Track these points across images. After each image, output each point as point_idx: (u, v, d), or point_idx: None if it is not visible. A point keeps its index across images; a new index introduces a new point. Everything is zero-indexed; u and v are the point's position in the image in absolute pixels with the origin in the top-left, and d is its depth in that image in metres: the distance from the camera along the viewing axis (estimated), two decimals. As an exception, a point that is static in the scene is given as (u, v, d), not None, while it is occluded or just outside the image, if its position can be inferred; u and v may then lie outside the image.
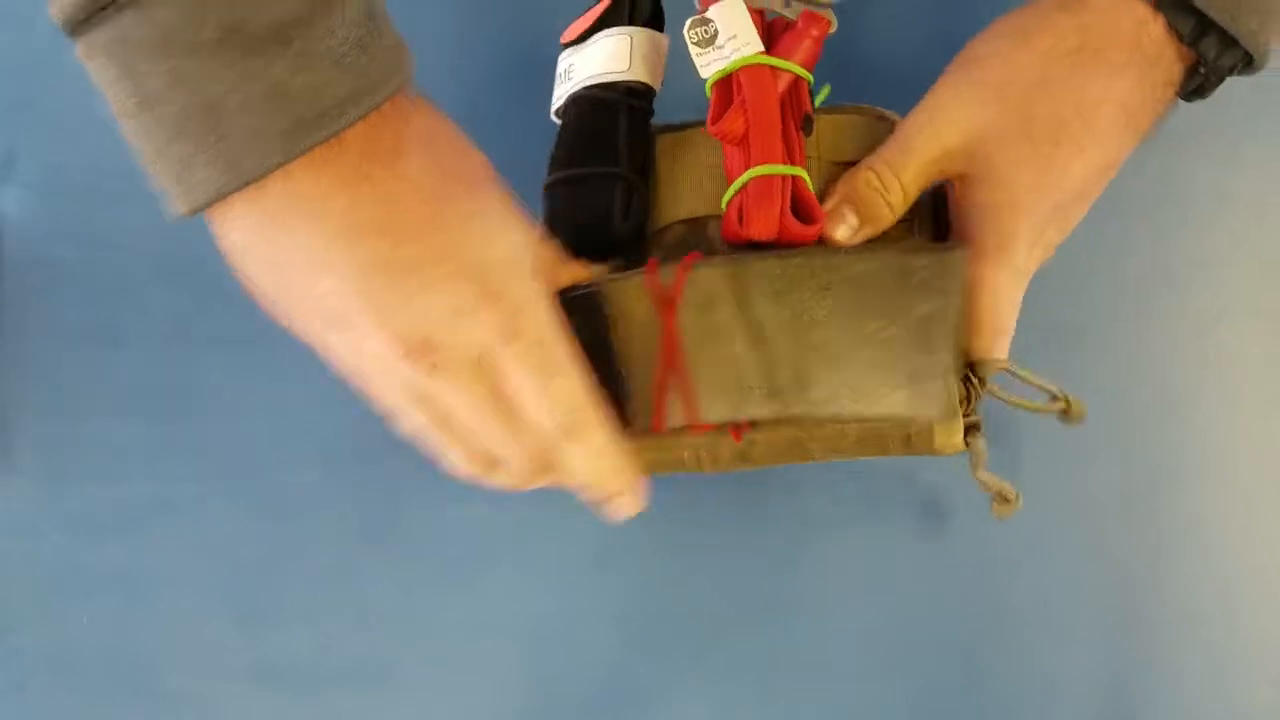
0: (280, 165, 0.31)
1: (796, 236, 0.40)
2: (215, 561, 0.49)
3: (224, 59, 0.30)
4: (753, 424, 0.41)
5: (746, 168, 0.40)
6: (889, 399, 0.38)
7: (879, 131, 0.43)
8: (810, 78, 0.42)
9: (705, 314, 0.39)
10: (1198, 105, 0.50)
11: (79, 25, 0.31)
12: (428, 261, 0.34)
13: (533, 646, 0.49)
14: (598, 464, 0.38)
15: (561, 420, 0.36)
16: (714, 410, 0.39)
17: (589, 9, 0.46)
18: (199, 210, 0.33)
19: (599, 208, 0.43)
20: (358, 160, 0.32)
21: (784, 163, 0.40)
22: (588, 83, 0.44)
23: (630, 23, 0.44)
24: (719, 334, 0.39)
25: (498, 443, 0.37)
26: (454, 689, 0.48)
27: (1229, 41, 0.37)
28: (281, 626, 0.49)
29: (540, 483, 0.39)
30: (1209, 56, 0.38)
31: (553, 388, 0.36)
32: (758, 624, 0.49)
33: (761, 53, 0.41)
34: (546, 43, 0.47)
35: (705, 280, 0.39)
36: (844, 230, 0.40)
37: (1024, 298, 0.41)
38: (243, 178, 0.31)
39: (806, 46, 0.42)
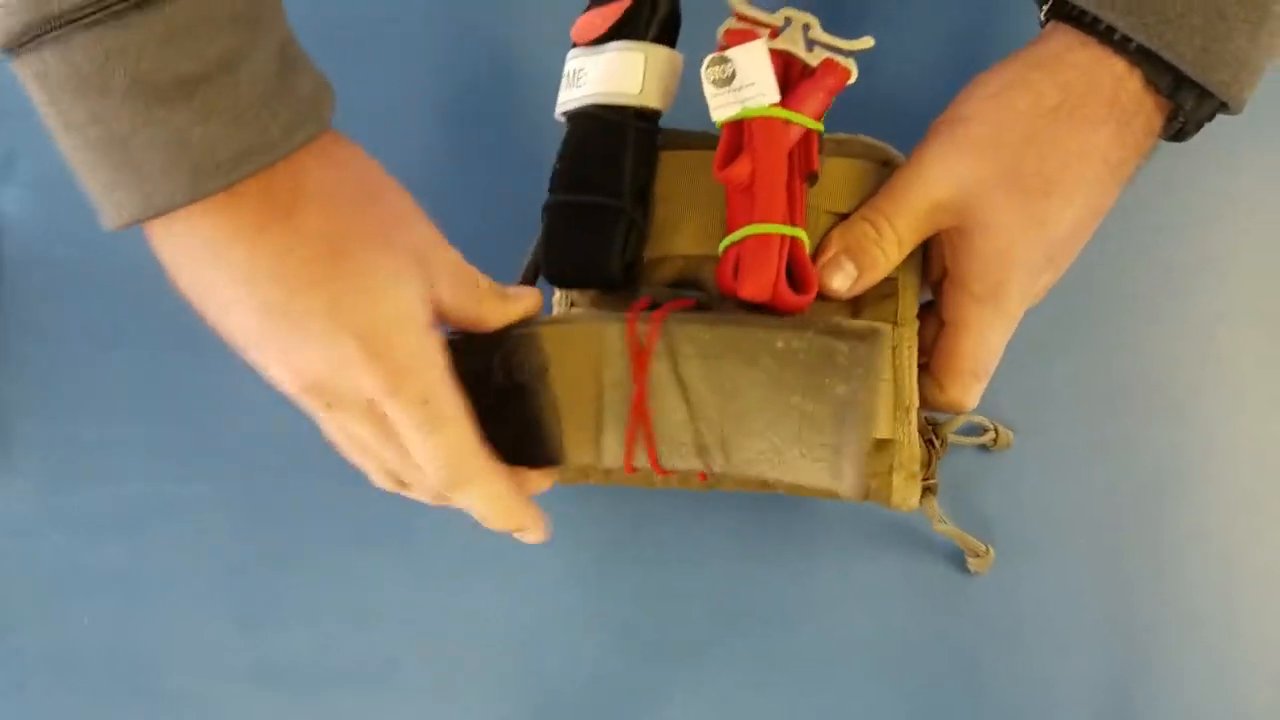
0: (185, 204, 0.33)
1: (787, 304, 0.41)
2: (215, 561, 0.49)
3: (132, 105, 0.31)
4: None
5: (749, 219, 0.40)
6: (808, 470, 0.39)
7: (879, 179, 0.43)
8: (822, 129, 0.41)
9: (657, 365, 0.40)
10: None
11: (10, 51, 0.32)
12: (316, 314, 0.35)
13: (532, 647, 0.49)
14: (487, 508, 0.40)
15: (443, 472, 0.38)
16: (669, 459, 0.41)
17: (605, 4, 0.44)
18: (123, 228, 0.35)
19: (598, 244, 0.42)
20: (254, 212, 0.34)
21: (785, 221, 0.40)
22: (598, 99, 0.43)
23: (647, 29, 0.43)
24: (661, 387, 0.40)
25: (401, 470, 0.39)
26: (454, 689, 0.48)
27: (1205, 93, 0.38)
28: (281, 627, 0.49)
29: (454, 504, 0.41)
30: (1186, 106, 0.39)
31: (432, 443, 0.37)
32: (757, 625, 0.49)
33: (777, 104, 0.40)
34: (536, 42, 0.47)
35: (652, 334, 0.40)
36: (842, 279, 0.41)
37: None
38: (152, 209, 0.33)
39: (821, 98, 0.41)
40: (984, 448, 0.50)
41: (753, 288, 0.40)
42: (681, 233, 0.43)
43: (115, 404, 0.51)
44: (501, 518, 0.41)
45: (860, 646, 0.48)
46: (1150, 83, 0.39)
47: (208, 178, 0.32)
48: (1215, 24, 0.37)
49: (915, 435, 0.42)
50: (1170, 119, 0.40)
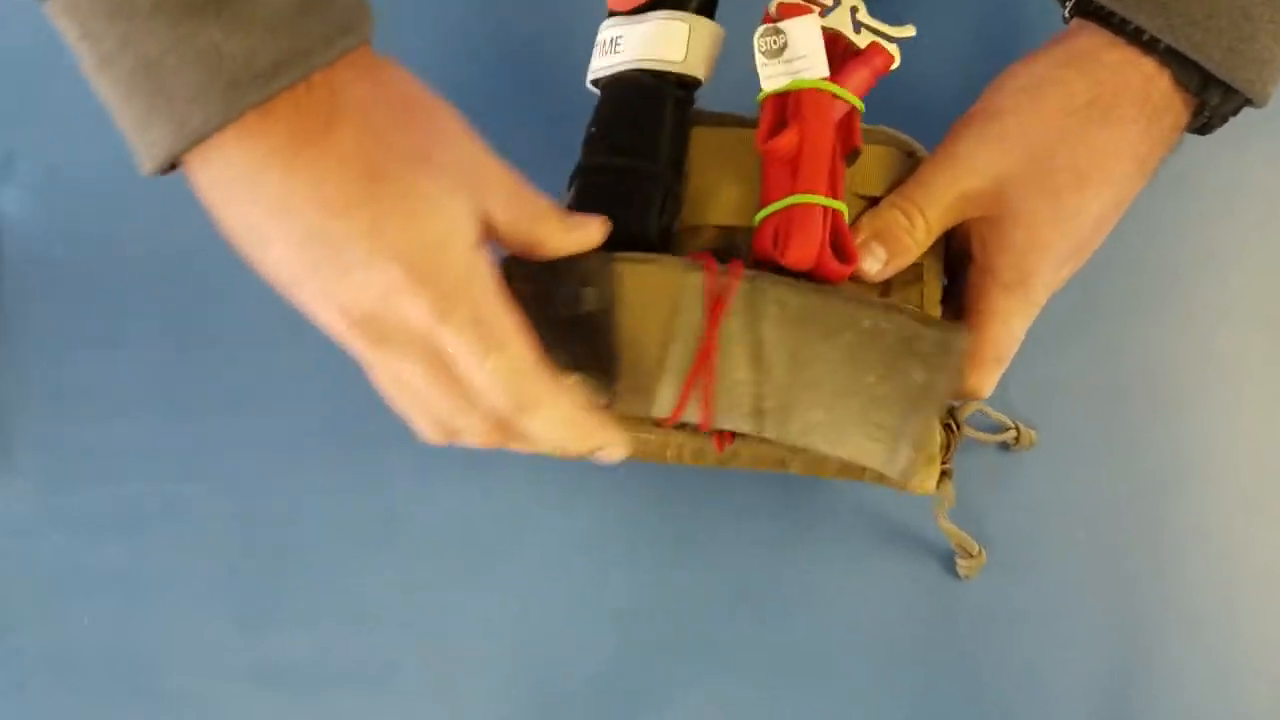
0: (219, 125, 0.32)
1: (831, 273, 0.41)
2: (215, 561, 0.49)
3: (163, 21, 0.31)
4: (735, 435, 0.42)
5: (790, 191, 0.40)
6: (863, 448, 0.40)
7: (906, 168, 0.44)
8: (864, 108, 0.42)
9: (732, 321, 0.40)
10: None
11: None
12: (356, 239, 0.34)
13: (533, 646, 0.49)
14: (558, 431, 0.38)
15: (506, 397, 0.36)
16: (722, 417, 0.40)
17: None
18: (160, 170, 0.34)
19: (634, 206, 0.42)
20: (289, 133, 0.33)
21: (828, 194, 0.40)
22: (638, 65, 0.42)
23: (688, 3, 0.43)
24: (731, 343, 0.40)
25: (452, 412, 0.37)
26: (454, 689, 0.48)
27: (1231, 90, 0.39)
28: (281, 627, 0.49)
29: (510, 446, 0.40)
30: (1213, 103, 0.40)
31: (490, 365, 0.36)
32: (759, 623, 0.49)
33: (826, 78, 0.41)
34: (545, 37, 0.47)
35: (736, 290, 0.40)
36: (872, 263, 0.42)
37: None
38: (189, 137, 0.32)
39: (865, 76, 0.42)
40: (1004, 445, 0.50)
41: (797, 255, 0.40)
42: (716, 203, 0.43)
43: (115, 404, 0.51)
44: (578, 438, 0.39)
45: (862, 644, 0.48)
46: (1179, 82, 0.39)
47: (242, 92, 0.31)
48: (1241, 25, 0.38)
49: (934, 419, 0.42)
50: (1196, 114, 0.40)
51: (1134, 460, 0.50)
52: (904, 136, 0.44)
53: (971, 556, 0.48)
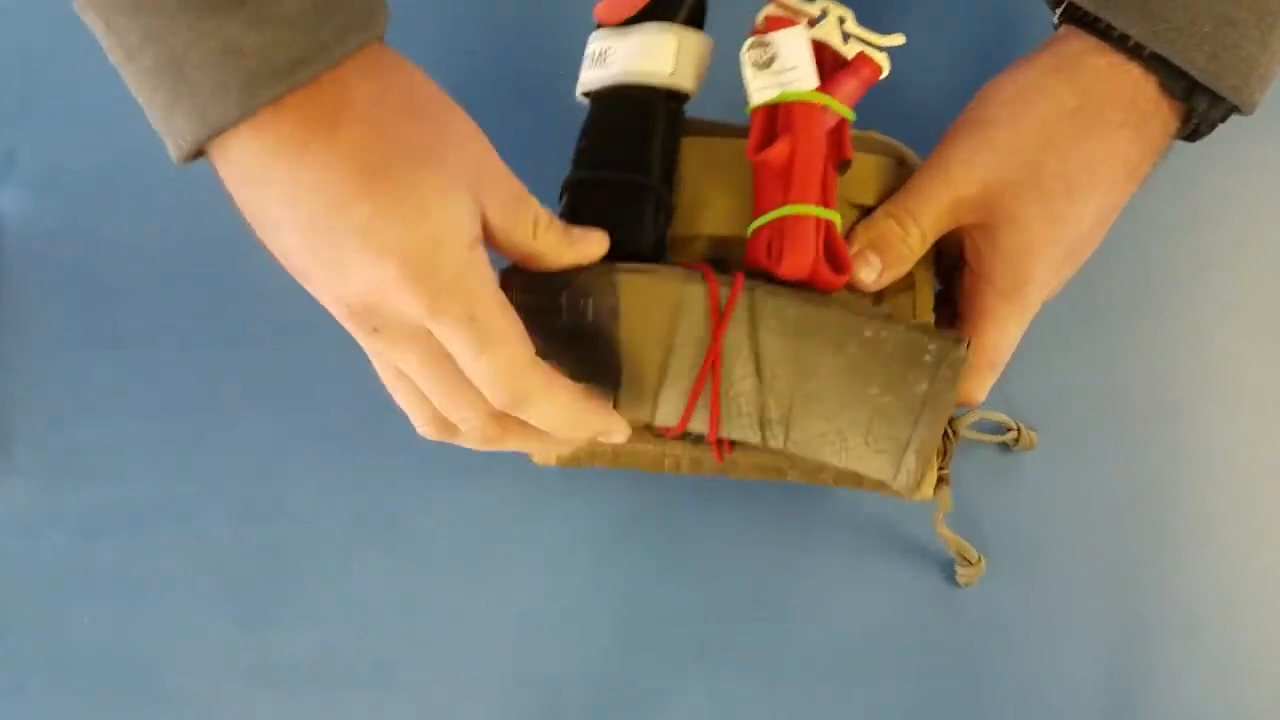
0: (236, 119, 0.33)
1: (825, 283, 0.41)
2: (216, 562, 0.49)
3: (185, 18, 0.32)
4: (734, 444, 0.42)
5: (783, 202, 0.41)
6: (868, 459, 0.40)
7: (898, 176, 0.44)
8: (854, 118, 0.42)
9: (734, 330, 0.40)
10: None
11: None
12: (355, 233, 0.34)
13: (533, 646, 0.49)
14: (558, 421, 0.39)
15: (502, 389, 0.37)
16: (728, 426, 0.41)
17: None
18: (187, 158, 0.35)
19: (626, 220, 0.42)
20: (299, 127, 0.33)
21: (821, 204, 0.41)
22: (628, 78, 0.42)
23: (679, 11, 0.43)
24: (734, 353, 0.40)
25: (449, 406, 0.38)
26: (454, 689, 0.48)
27: (1218, 97, 0.39)
28: (282, 627, 0.49)
29: (507, 446, 0.40)
30: (1200, 109, 0.40)
31: (484, 361, 0.36)
32: (758, 623, 0.49)
33: (816, 89, 0.41)
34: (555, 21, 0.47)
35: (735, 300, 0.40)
36: (868, 272, 0.42)
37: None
38: (210, 128, 0.33)
39: (854, 86, 0.42)
40: (1005, 446, 0.50)
41: (792, 266, 0.40)
42: (708, 213, 0.43)
43: (115, 404, 0.51)
44: (574, 426, 0.39)
45: (861, 645, 0.48)
46: (1165, 88, 0.39)
47: (259, 88, 0.32)
48: (1225, 31, 0.38)
49: (941, 430, 0.42)
50: (1185, 120, 0.40)
51: (1134, 461, 0.50)
52: (895, 143, 0.44)
53: (970, 564, 0.48)
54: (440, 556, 0.49)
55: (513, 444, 0.40)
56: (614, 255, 0.41)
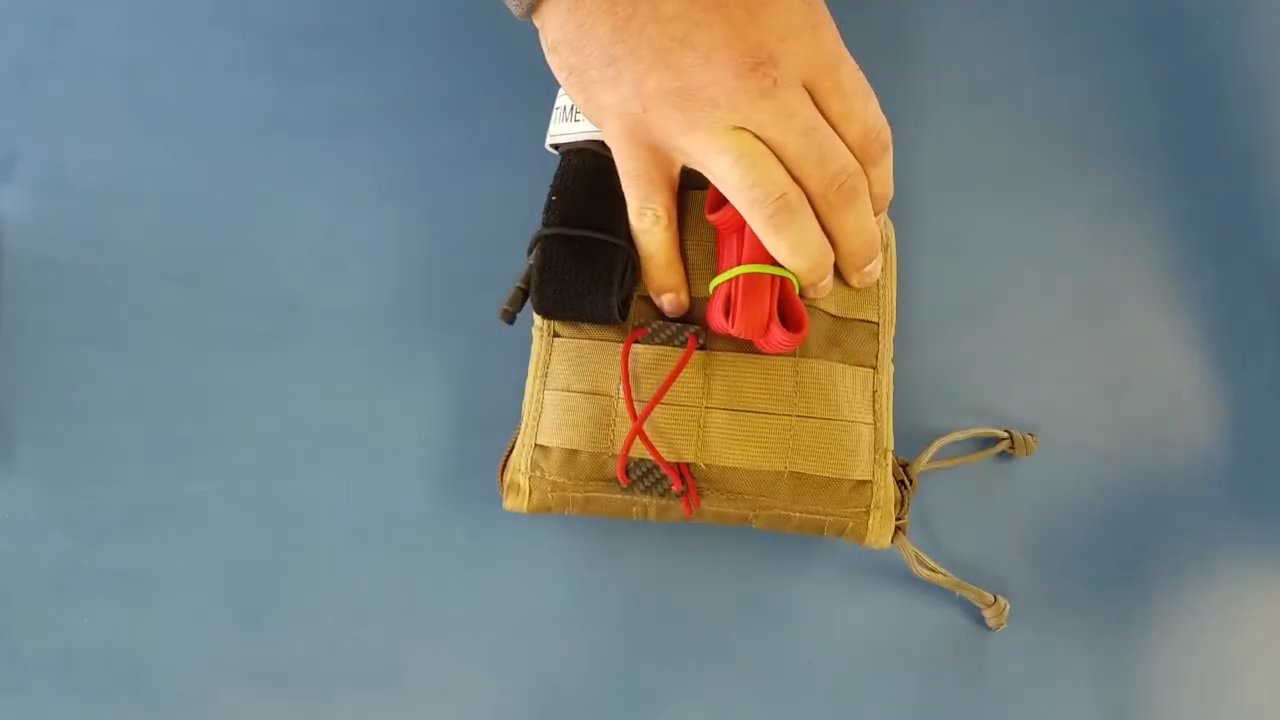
0: None
1: (778, 344, 0.42)
2: (216, 561, 0.49)
3: None
4: (700, 497, 0.44)
5: (738, 260, 0.42)
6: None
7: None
8: None
9: None
10: (1199, 102, 0.50)
11: None
12: None
13: (533, 646, 0.49)
14: (889, 184, 0.43)
15: (876, 134, 0.41)
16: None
17: None
18: (526, 15, 0.41)
19: (598, 278, 0.43)
20: None
21: (775, 262, 0.42)
22: (598, 137, 0.43)
23: None
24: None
25: (830, 153, 0.40)
26: (454, 689, 0.48)
27: None
28: (282, 626, 0.49)
29: (849, 211, 0.42)
30: None
31: (872, 104, 0.41)
32: (758, 624, 0.49)
33: None
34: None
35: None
36: None
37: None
38: None
39: None
40: (1005, 454, 0.50)
41: (746, 325, 0.42)
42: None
43: (115, 404, 0.51)
44: (875, 242, 0.44)
45: (861, 647, 0.49)
46: None
47: None
48: None
49: (890, 477, 0.44)
50: None
51: (1134, 461, 0.50)
52: None
53: (989, 605, 0.47)
54: (440, 556, 0.49)
55: (858, 206, 0.42)
56: (580, 314, 0.44)
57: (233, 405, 0.51)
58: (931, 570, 0.46)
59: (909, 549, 0.46)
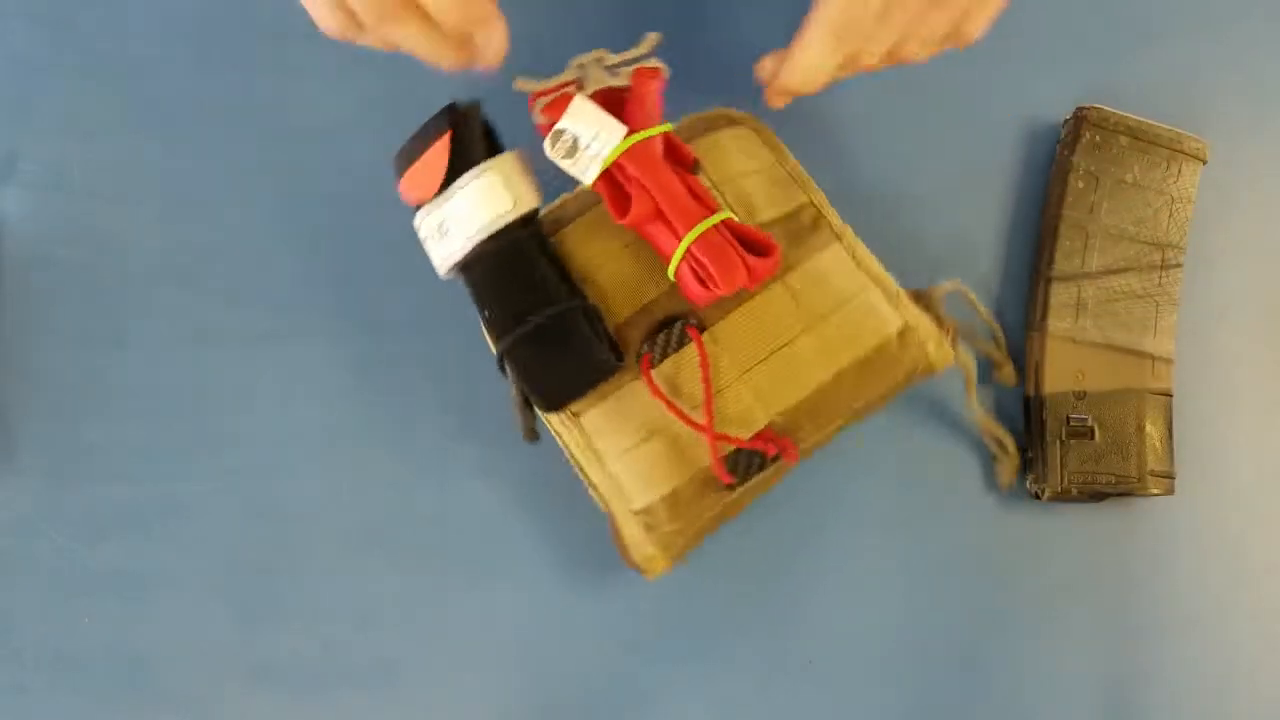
0: None
1: (765, 270, 0.42)
2: (215, 561, 0.49)
3: None
4: (795, 443, 0.44)
5: (677, 238, 0.42)
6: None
7: (757, 138, 0.47)
8: (670, 126, 0.43)
9: None
10: (1197, 104, 0.50)
11: None
12: None
13: (533, 646, 0.49)
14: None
15: None
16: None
17: (415, 158, 0.43)
18: None
19: (576, 348, 0.42)
20: None
21: (706, 214, 0.42)
22: (481, 234, 0.42)
23: (478, 151, 0.42)
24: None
25: None
26: (455, 689, 0.48)
27: None
28: (282, 626, 0.49)
29: (394, 28, 0.38)
30: None
31: None
32: (758, 624, 0.49)
33: (629, 133, 0.42)
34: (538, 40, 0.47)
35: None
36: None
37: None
38: None
39: (651, 101, 0.43)
40: (994, 458, 0.50)
41: (727, 279, 0.41)
42: (623, 290, 0.45)
43: (115, 404, 0.51)
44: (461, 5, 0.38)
45: (861, 643, 0.48)
46: None
47: None
48: None
49: (917, 311, 0.45)
50: None
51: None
52: (720, 111, 0.47)
53: (1006, 455, 0.49)
54: (440, 556, 0.49)
55: (404, 25, 0.38)
56: (584, 386, 0.43)
57: (233, 405, 0.51)
58: (978, 406, 0.48)
59: (969, 368, 0.47)
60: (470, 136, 0.42)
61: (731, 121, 0.47)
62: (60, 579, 0.49)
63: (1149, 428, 0.48)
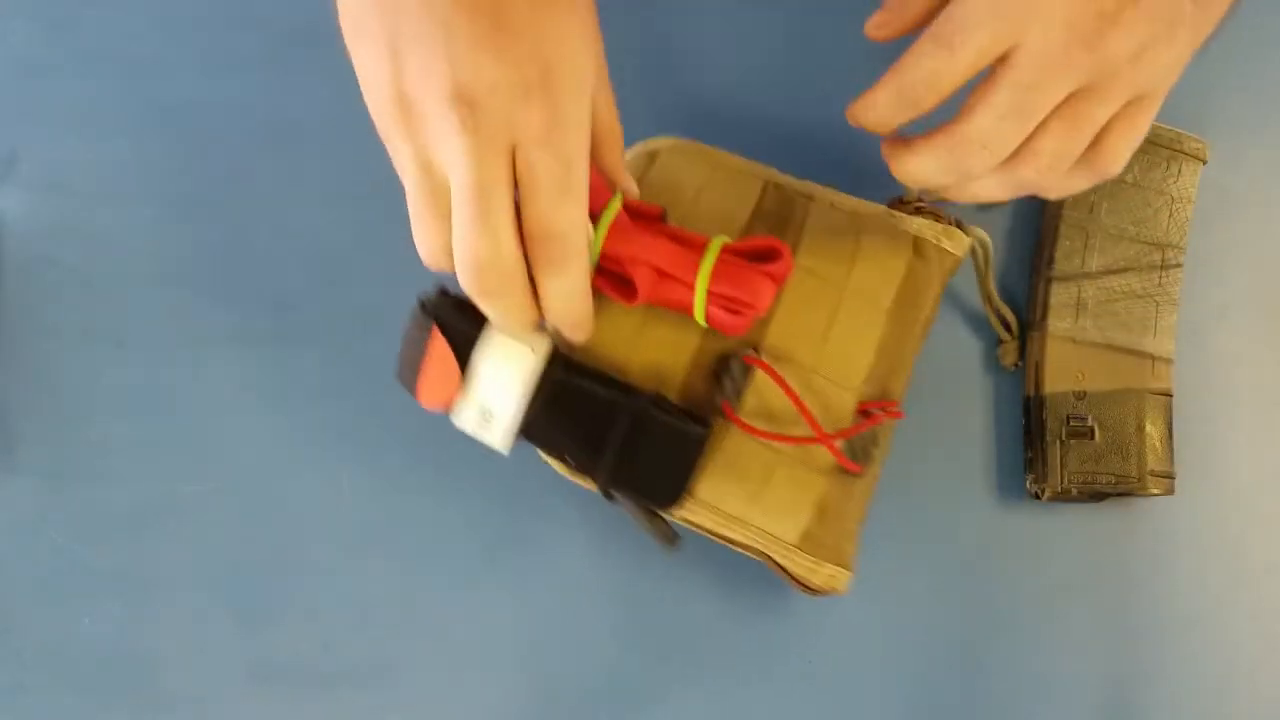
0: None
1: (783, 274, 0.43)
2: (215, 561, 0.49)
3: None
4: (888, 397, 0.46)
5: (691, 287, 0.41)
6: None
7: (689, 154, 0.47)
8: (618, 203, 0.41)
9: None
10: (1197, 104, 0.50)
11: None
12: (510, 31, 0.33)
13: (532, 646, 0.49)
14: (566, 295, 0.38)
15: (558, 238, 0.36)
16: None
17: (419, 366, 0.42)
18: None
19: (664, 437, 0.42)
20: None
21: (700, 250, 0.41)
22: (522, 402, 0.41)
23: (474, 327, 0.41)
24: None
25: (488, 229, 0.35)
26: (454, 688, 0.48)
27: None
28: (282, 626, 0.49)
29: (496, 299, 0.37)
30: None
31: (565, 204, 0.35)
32: (758, 624, 0.49)
33: (591, 234, 0.40)
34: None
35: None
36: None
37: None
38: None
39: (594, 178, 0.40)
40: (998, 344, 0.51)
41: (756, 298, 0.41)
42: (664, 359, 0.44)
43: (115, 404, 0.51)
44: (573, 306, 0.38)
45: (861, 643, 0.48)
46: None
47: None
48: None
49: (913, 219, 0.47)
50: None
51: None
52: (641, 149, 0.48)
53: (1012, 337, 0.50)
54: (440, 556, 0.49)
55: (506, 298, 0.37)
56: (689, 462, 0.42)
57: (232, 405, 0.51)
58: (991, 287, 0.49)
59: (982, 242, 0.48)
60: (454, 319, 0.41)
61: (655, 154, 0.47)
62: (60, 579, 0.49)
63: (1149, 428, 0.48)
